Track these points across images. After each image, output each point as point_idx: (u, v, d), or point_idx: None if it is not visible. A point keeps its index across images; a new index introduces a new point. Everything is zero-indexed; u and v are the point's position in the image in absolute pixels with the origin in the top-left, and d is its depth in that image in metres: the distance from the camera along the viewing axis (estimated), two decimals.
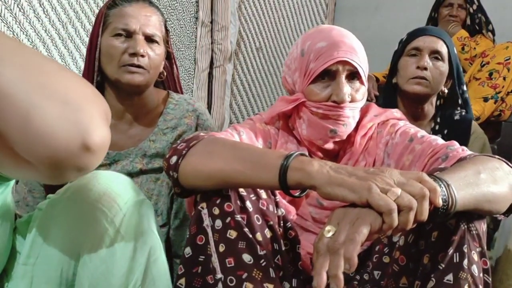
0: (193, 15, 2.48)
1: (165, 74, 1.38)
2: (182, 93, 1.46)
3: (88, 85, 0.62)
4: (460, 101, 1.63)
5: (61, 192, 0.82)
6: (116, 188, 0.80)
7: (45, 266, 0.80)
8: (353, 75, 1.06)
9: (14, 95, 0.54)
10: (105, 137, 0.59)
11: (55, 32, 1.78)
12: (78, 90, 0.59)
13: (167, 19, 2.33)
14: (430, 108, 1.63)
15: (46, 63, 0.60)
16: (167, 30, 1.35)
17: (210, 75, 2.60)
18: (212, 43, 2.57)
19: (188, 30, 2.46)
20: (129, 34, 1.25)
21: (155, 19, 1.29)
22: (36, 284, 0.81)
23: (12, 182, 0.83)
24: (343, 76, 1.04)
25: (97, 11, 2.01)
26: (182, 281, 0.87)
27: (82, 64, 1.84)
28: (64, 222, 0.79)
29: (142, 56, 1.23)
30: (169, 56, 1.38)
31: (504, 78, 2.23)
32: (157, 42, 1.28)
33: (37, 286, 0.81)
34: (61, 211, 0.80)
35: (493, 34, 2.47)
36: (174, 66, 1.41)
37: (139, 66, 1.23)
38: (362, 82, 1.07)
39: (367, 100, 1.14)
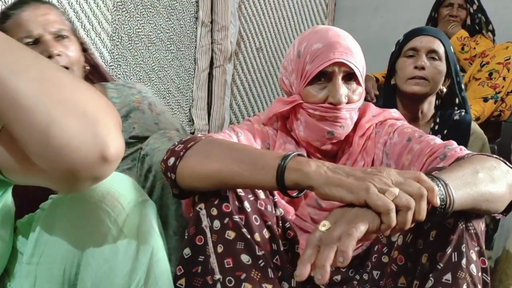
0: (193, 15, 2.48)
1: (87, 67, 1.32)
2: (109, 80, 1.40)
3: (102, 97, 0.64)
4: (457, 100, 1.63)
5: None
6: (119, 188, 0.80)
7: (48, 265, 0.80)
8: (350, 76, 1.06)
9: (34, 109, 0.56)
10: (121, 148, 0.62)
11: None
12: (94, 103, 0.61)
13: (167, 19, 2.34)
14: (429, 108, 1.63)
15: (62, 76, 0.61)
16: (70, 22, 1.30)
17: (210, 75, 2.60)
18: (212, 43, 2.56)
19: (188, 30, 2.47)
20: (36, 40, 1.19)
21: (54, 15, 1.23)
22: (39, 283, 0.81)
23: (12, 184, 0.84)
24: (340, 78, 1.04)
25: (97, 11, 2.02)
26: (182, 281, 0.87)
27: None
28: (68, 221, 0.79)
29: (59, 55, 1.18)
30: (83, 48, 1.32)
31: (504, 78, 2.23)
32: (67, 36, 1.23)
33: (40, 285, 0.81)
34: (64, 211, 0.80)
35: (493, 34, 2.46)
36: (91, 56, 1.36)
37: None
38: (358, 83, 1.07)
39: (368, 100, 1.14)
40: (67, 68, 1.20)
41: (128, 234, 0.78)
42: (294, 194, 0.84)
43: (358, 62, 1.05)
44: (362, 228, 0.67)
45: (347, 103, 1.05)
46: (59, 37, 1.22)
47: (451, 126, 1.59)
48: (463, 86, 1.65)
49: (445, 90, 1.61)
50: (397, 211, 0.68)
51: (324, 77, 1.05)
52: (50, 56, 1.17)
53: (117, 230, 0.77)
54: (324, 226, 0.69)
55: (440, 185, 0.75)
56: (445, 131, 1.58)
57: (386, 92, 1.75)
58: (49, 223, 0.80)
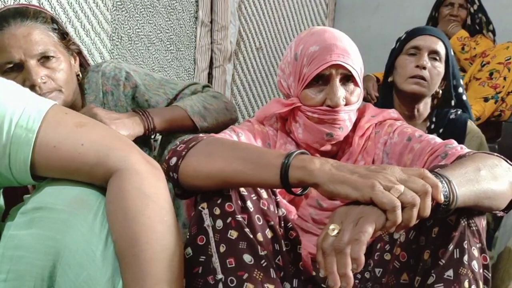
0: (192, 14, 2.48)
1: (80, 76, 1.25)
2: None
3: None
4: (453, 102, 1.63)
5: (27, 202, 0.77)
6: (86, 189, 0.76)
7: (15, 282, 0.73)
8: (347, 77, 1.06)
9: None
10: None
11: None
12: None
13: (167, 19, 2.33)
14: (425, 107, 1.62)
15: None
16: (62, 33, 1.20)
17: (210, 75, 2.59)
18: (211, 43, 2.56)
19: (187, 30, 2.46)
20: (18, 65, 1.10)
21: (37, 34, 1.12)
22: None
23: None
24: (337, 80, 1.04)
25: (97, 11, 2.01)
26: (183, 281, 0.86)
27: None
28: (33, 234, 0.73)
29: (44, 82, 1.11)
30: (79, 52, 1.26)
31: (505, 78, 2.23)
32: (52, 56, 1.14)
33: None
34: (29, 222, 0.74)
35: (494, 34, 2.46)
36: (87, 60, 1.31)
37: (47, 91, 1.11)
38: (356, 84, 1.07)
39: (368, 100, 1.14)
40: (59, 90, 1.13)
41: (103, 235, 0.74)
42: (299, 192, 0.84)
43: (355, 64, 1.05)
44: (370, 230, 0.68)
45: (346, 104, 1.06)
46: (43, 58, 1.13)
47: (447, 125, 1.59)
48: (461, 89, 1.65)
49: (441, 92, 1.61)
50: (402, 208, 0.69)
51: (321, 79, 1.05)
52: (33, 85, 1.09)
53: (90, 233, 0.73)
54: (333, 230, 0.70)
55: (443, 182, 0.75)
56: (441, 130, 1.58)
57: (383, 90, 1.74)
58: (14, 235, 0.74)
